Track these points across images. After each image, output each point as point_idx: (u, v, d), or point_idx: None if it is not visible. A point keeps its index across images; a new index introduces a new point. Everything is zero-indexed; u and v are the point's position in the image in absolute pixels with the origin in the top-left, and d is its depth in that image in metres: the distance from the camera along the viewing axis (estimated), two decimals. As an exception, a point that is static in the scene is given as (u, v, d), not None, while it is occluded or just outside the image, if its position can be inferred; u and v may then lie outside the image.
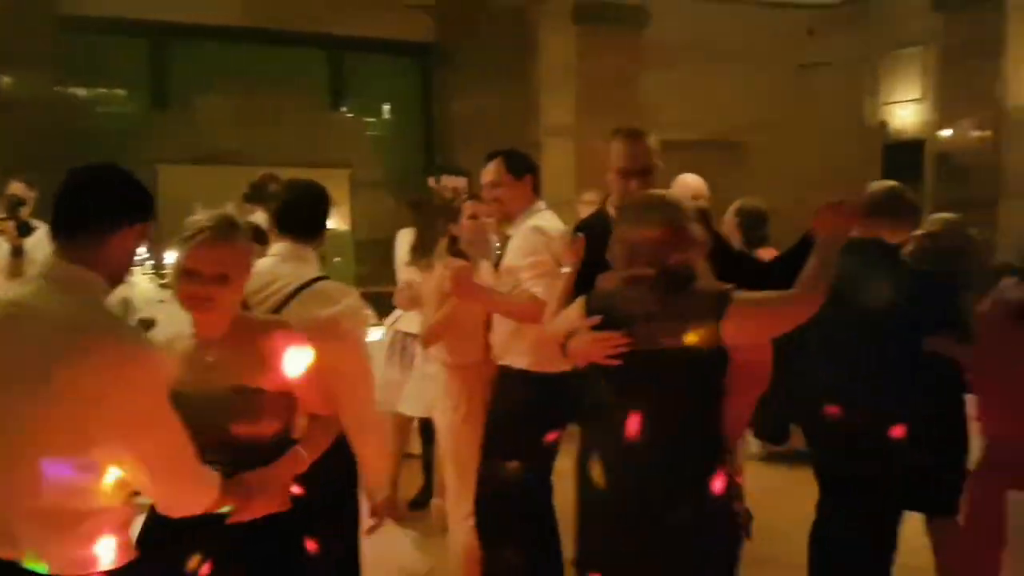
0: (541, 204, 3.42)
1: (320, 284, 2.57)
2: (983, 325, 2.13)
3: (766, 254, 4.04)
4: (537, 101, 8.43)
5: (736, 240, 4.08)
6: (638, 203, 2.38)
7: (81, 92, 8.51)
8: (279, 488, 2.03)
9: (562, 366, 2.86)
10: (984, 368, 2.06)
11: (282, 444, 2.09)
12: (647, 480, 2.22)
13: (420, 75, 9.70)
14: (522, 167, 3.37)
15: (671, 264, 2.22)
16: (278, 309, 2.48)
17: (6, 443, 1.67)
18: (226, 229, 2.02)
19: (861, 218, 2.96)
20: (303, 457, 2.09)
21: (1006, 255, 6.93)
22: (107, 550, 1.72)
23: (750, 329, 2.23)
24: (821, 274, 2.23)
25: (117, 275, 1.84)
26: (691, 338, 2.17)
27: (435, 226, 4.41)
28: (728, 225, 4.18)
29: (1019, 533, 2.37)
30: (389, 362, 4.40)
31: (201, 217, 2.05)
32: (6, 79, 7.64)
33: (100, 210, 1.80)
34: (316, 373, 2.10)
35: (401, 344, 4.40)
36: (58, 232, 1.80)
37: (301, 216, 2.75)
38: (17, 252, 4.29)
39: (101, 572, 1.71)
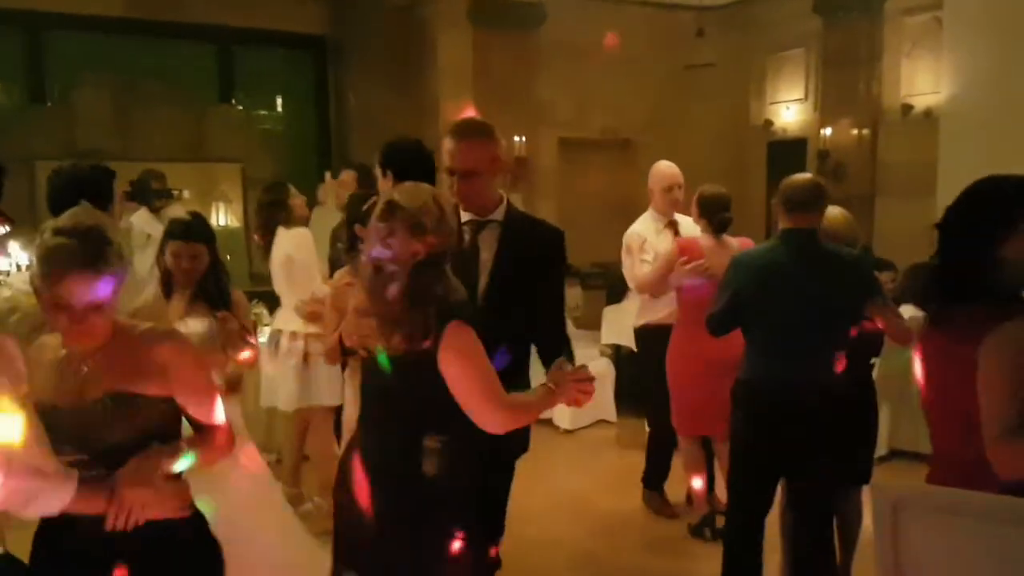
0: None
1: None
2: (921, 349, 2.27)
3: (733, 240, 4.26)
4: (435, 99, 8.41)
5: (703, 226, 4.28)
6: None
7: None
8: (152, 479, 1.89)
9: None
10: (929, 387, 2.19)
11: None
12: None
13: (314, 69, 9.52)
14: (388, 159, 3.11)
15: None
16: None
17: None
18: (94, 251, 1.83)
19: (789, 211, 3.25)
20: (181, 449, 1.97)
21: (882, 250, 7.34)
22: None
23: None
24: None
25: None
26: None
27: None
28: (693, 213, 4.36)
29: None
30: (269, 359, 4.35)
31: (57, 233, 1.84)
32: None
33: None
34: (189, 374, 2.02)
35: (276, 341, 4.36)
36: None
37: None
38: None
39: None
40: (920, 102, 7.66)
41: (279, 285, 4.48)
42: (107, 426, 1.91)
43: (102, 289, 1.85)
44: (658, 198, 4.70)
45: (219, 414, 2.06)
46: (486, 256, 2.69)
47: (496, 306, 2.58)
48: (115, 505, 1.85)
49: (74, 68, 8.33)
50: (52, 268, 1.83)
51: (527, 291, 2.65)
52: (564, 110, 8.79)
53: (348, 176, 4.92)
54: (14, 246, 5.67)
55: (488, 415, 2.12)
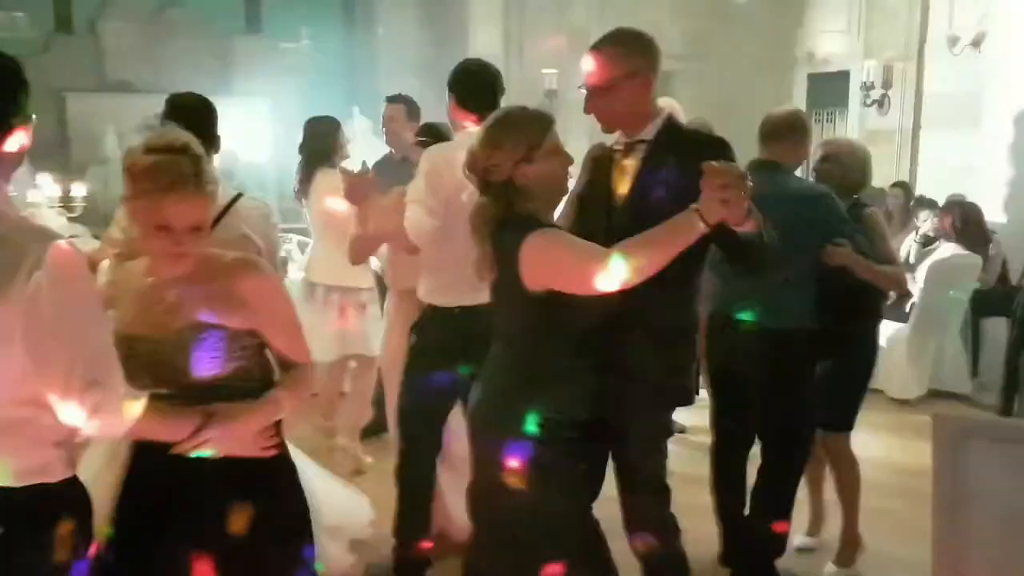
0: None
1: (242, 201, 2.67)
2: None
3: None
4: (464, 26, 8.23)
5: None
6: None
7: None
8: (253, 424, 1.89)
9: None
10: None
11: (254, 391, 1.96)
12: None
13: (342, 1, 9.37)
14: (449, 82, 3.10)
15: None
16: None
17: None
18: (196, 168, 1.80)
19: (760, 143, 3.10)
20: (281, 400, 1.94)
21: (925, 185, 7.16)
22: (53, 461, 1.70)
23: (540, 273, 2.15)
24: (654, 249, 2.02)
25: (7, 178, 1.70)
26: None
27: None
28: None
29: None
30: (304, 308, 4.31)
31: (149, 151, 1.81)
32: None
33: None
34: (274, 307, 1.96)
35: (311, 291, 4.29)
36: None
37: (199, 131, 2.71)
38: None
39: (48, 482, 1.69)
40: (966, 33, 7.35)
41: (317, 230, 4.32)
42: (188, 358, 1.88)
43: (204, 209, 1.84)
44: None
45: (303, 348, 2.01)
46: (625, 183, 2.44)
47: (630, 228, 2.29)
48: (193, 441, 1.82)
49: (101, -2, 8.26)
50: (155, 186, 1.79)
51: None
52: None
53: (396, 111, 4.51)
54: (45, 178, 5.69)
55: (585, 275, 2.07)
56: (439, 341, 3.00)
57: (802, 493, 3.34)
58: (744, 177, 1.94)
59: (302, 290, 4.29)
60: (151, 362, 1.90)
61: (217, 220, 2.42)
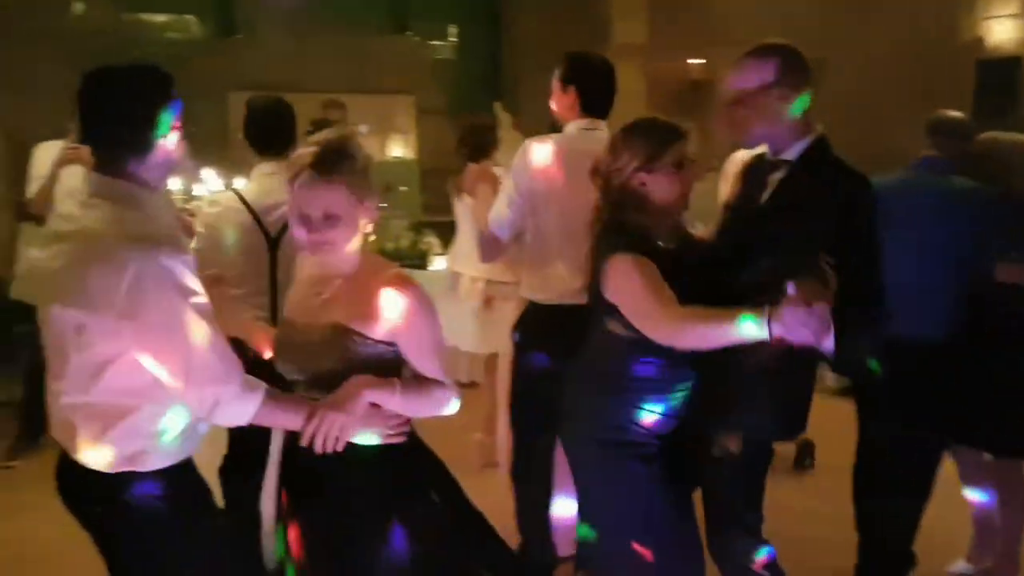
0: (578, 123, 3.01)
1: None
2: None
3: None
4: (607, 19, 8.15)
5: None
6: None
7: (149, 18, 8.55)
8: (355, 405, 1.87)
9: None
10: None
11: None
12: None
13: (487, -5, 9.48)
14: (572, 75, 3.01)
15: None
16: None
17: (61, 347, 1.80)
18: (328, 164, 1.87)
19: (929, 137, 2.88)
20: (395, 384, 1.92)
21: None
22: (146, 451, 1.83)
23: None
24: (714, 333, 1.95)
25: (161, 180, 1.87)
26: None
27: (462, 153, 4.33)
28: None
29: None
30: (449, 299, 4.38)
31: (308, 146, 1.92)
32: (76, 6, 7.71)
33: (120, 121, 1.80)
34: (416, 328, 1.95)
35: (455, 282, 4.36)
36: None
37: (273, 134, 2.95)
38: (90, 179, 4.35)
39: (138, 471, 1.82)
40: None
41: (466, 224, 4.34)
42: (324, 355, 1.94)
43: (333, 199, 1.88)
44: None
45: (438, 372, 2.00)
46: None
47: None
48: (312, 423, 1.85)
49: (261, 1, 8.66)
50: (289, 176, 1.91)
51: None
52: (744, 27, 8.26)
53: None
54: (209, 172, 6.04)
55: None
56: (539, 338, 2.97)
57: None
58: (830, 301, 1.80)
59: (448, 280, 4.37)
60: (300, 350, 1.99)
61: None
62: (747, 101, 2.27)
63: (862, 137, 4.37)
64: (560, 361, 2.64)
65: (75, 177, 4.35)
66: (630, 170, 2.17)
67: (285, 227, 2.81)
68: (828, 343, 1.81)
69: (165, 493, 1.85)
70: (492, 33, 9.49)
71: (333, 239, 1.91)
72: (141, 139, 1.79)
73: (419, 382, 1.98)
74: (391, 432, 1.95)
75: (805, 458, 4.46)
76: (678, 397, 2.23)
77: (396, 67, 8.78)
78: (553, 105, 3.08)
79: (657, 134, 2.19)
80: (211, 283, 2.06)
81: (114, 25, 7.77)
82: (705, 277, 2.19)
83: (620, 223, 2.19)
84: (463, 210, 4.28)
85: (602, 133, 2.89)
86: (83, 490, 1.87)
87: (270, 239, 2.96)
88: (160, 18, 8.66)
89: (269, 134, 3.02)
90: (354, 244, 1.96)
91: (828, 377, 4.49)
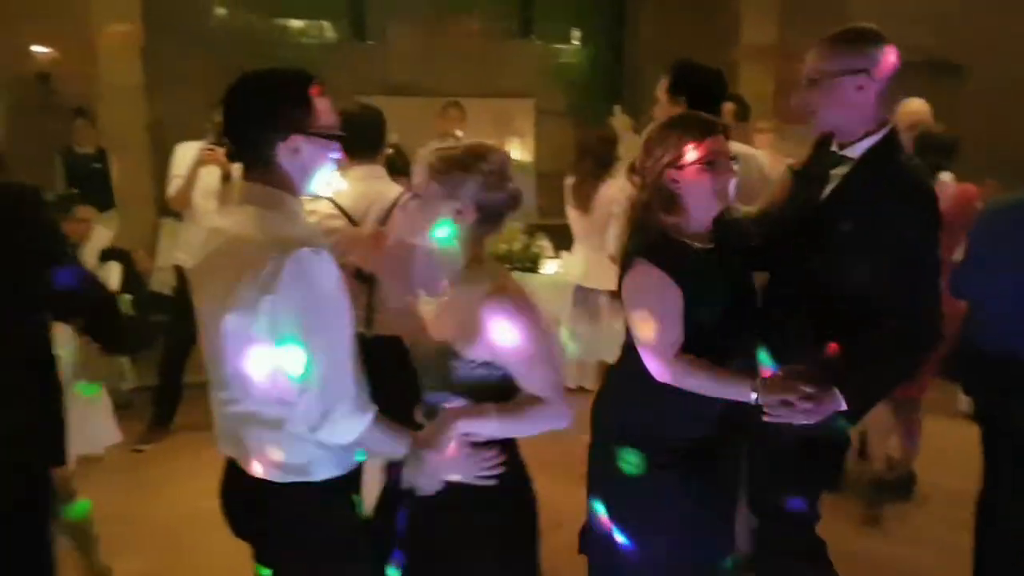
0: None
1: None
2: None
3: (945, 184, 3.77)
4: (736, 19, 7.96)
5: None
6: None
7: (287, 23, 8.90)
8: (444, 442, 1.83)
9: None
10: None
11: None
12: None
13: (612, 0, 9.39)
14: (681, 82, 3.00)
15: None
16: (384, 221, 2.71)
17: (219, 354, 1.80)
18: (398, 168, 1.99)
19: None
20: (487, 410, 1.86)
21: None
22: (313, 461, 1.79)
23: None
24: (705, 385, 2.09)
25: (302, 186, 1.83)
26: None
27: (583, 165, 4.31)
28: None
29: None
30: (576, 315, 4.37)
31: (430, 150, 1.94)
32: (218, 11, 8.12)
33: (245, 129, 1.80)
34: (518, 346, 1.88)
35: (583, 296, 4.36)
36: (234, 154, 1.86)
37: (365, 139, 3.01)
38: (226, 178, 4.57)
39: (309, 480, 1.80)
40: None
41: (593, 239, 4.32)
42: (431, 373, 1.94)
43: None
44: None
45: (542, 387, 1.90)
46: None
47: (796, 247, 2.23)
48: (410, 465, 1.85)
49: (390, 5, 8.82)
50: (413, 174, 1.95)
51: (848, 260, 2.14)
52: (883, 30, 7.90)
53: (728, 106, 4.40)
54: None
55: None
56: None
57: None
58: (811, 396, 1.99)
59: (574, 297, 4.40)
60: (419, 365, 1.99)
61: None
62: (823, 84, 2.18)
63: (1006, 141, 4.12)
64: None
65: (212, 176, 4.59)
66: (661, 167, 2.10)
67: None
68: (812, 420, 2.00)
69: (329, 505, 1.83)
70: (616, 36, 9.41)
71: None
72: (281, 143, 1.77)
73: (520, 403, 1.90)
74: (483, 474, 1.89)
75: (904, 488, 4.24)
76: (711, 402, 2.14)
77: (519, 70, 8.84)
78: (661, 113, 3.03)
79: (689, 129, 2.11)
80: None
81: (254, 29, 8.14)
82: (741, 280, 2.18)
83: (649, 222, 2.12)
84: (587, 224, 4.28)
85: None
86: (248, 501, 1.86)
87: None
88: (297, 23, 9.00)
89: (360, 139, 3.08)
90: (459, 245, 1.92)
91: (961, 400, 4.23)
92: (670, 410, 2.13)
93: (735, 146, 2.77)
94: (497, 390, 1.90)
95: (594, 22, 9.56)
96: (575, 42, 9.68)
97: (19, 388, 2.13)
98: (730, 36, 8.03)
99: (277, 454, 1.78)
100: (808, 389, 1.98)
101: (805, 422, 2.00)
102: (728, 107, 4.38)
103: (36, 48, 7.13)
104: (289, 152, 1.78)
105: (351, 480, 1.91)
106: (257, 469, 1.81)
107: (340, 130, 2.54)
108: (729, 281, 2.13)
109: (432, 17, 8.65)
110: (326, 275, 1.70)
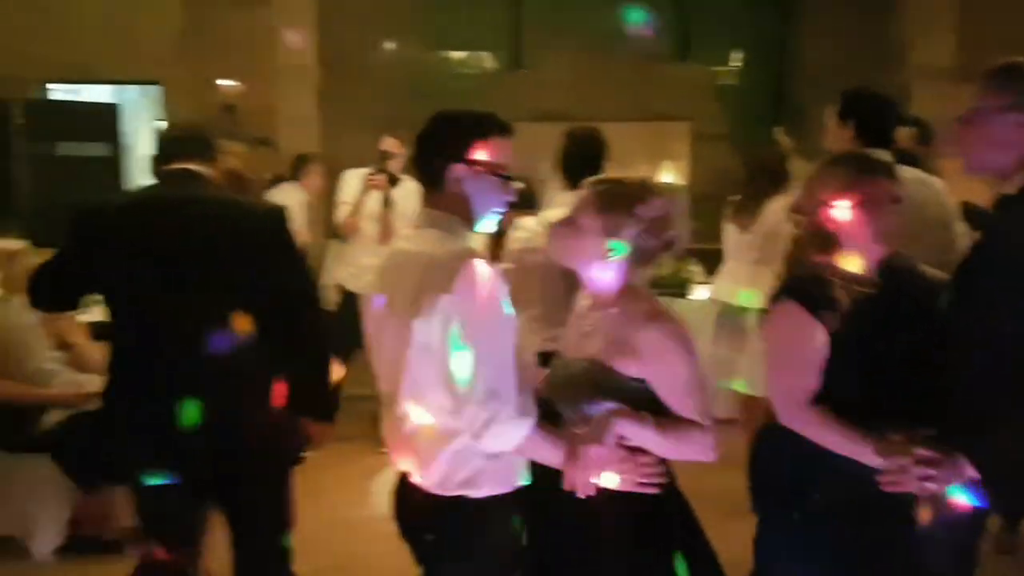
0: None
1: None
2: None
3: None
4: (907, 38, 7.60)
5: None
6: None
7: (448, 55, 9.26)
8: (607, 437, 1.85)
9: None
10: None
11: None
12: None
13: (773, 18, 9.19)
14: (850, 109, 2.93)
15: None
16: None
17: (394, 368, 1.91)
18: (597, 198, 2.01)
19: None
20: (647, 418, 1.87)
21: None
22: (478, 475, 1.87)
23: None
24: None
25: (472, 217, 1.97)
26: None
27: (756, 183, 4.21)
28: None
29: None
30: (718, 336, 4.27)
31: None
32: (385, 46, 8.54)
33: (422, 159, 1.97)
34: (669, 367, 1.90)
35: (729, 317, 4.24)
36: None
37: (576, 165, 3.08)
38: (387, 202, 4.80)
39: (471, 496, 1.87)
40: None
41: (752, 254, 4.23)
42: (582, 391, 1.95)
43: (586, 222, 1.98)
44: None
45: (695, 413, 1.91)
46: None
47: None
48: (570, 462, 1.86)
49: (546, 34, 9.01)
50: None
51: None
52: None
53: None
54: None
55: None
56: None
57: None
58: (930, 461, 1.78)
59: (720, 316, 4.32)
60: (564, 384, 2.00)
61: None
62: (979, 122, 1.98)
63: None
64: None
65: (375, 201, 4.83)
66: (819, 205, 2.02)
67: None
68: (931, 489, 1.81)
69: (491, 522, 1.89)
70: (777, 58, 9.20)
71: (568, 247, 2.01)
72: (449, 170, 1.92)
73: (676, 421, 1.90)
74: (641, 480, 1.88)
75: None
76: None
77: (675, 94, 8.78)
78: (829, 140, 2.98)
79: (851, 168, 2.03)
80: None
81: (419, 61, 8.51)
82: (911, 332, 1.95)
83: (804, 261, 2.05)
84: (743, 241, 4.20)
85: None
86: (415, 510, 1.96)
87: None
88: (458, 54, 9.35)
89: (576, 164, 3.20)
90: (611, 275, 1.97)
91: None
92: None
93: (908, 172, 2.65)
94: (649, 403, 1.91)
95: (753, 43, 9.38)
96: (734, 64, 9.52)
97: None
98: (900, 56, 7.67)
99: (445, 466, 1.87)
100: (926, 453, 1.79)
101: (922, 491, 1.81)
102: (904, 132, 4.17)
103: (223, 81, 7.77)
104: (456, 180, 1.93)
105: (515, 499, 1.95)
106: (426, 481, 1.90)
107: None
108: (892, 330, 1.98)
109: (588, 43, 8.76)
110: (495, 286, 1.82)
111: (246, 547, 2.55)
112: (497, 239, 3.35)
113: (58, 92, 7.54)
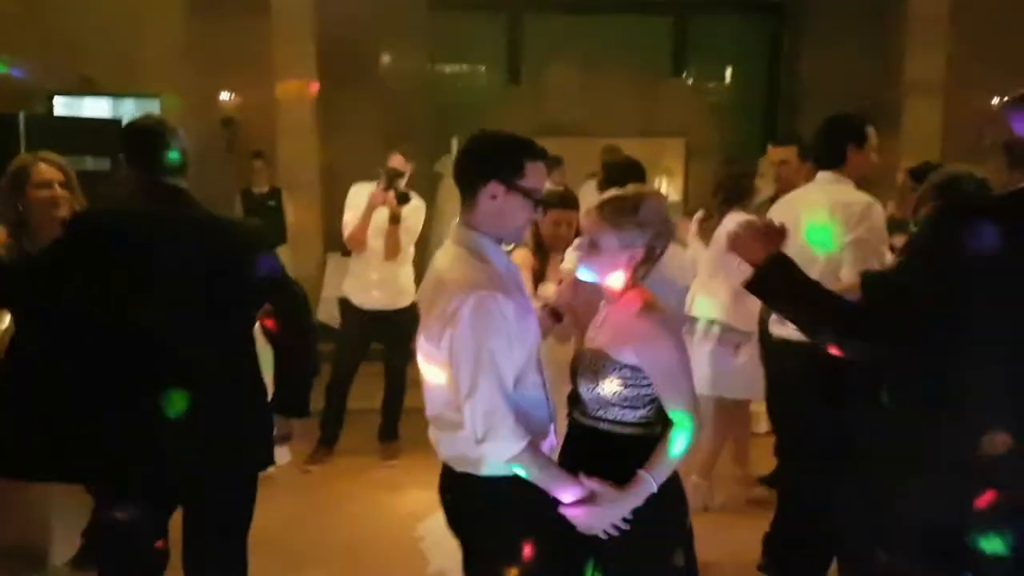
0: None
1: None
2: None
3: None
4: (900, 54, 7.67)
5: None
6: None
7: (446, 68, 9.32)
8: (622, 510, 2.05)
9: None
10: None
11: (643, 441, 2.12)
12: None
13: (768, 35, 9.31)
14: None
15: None
16: None
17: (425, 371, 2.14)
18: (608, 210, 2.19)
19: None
20: (646, 480, 2.06)
21: None
22: (480, 459, 2.04)
23: None
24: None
25: (501, 232, 2.10)
26: None
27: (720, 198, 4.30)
28: None
29: None
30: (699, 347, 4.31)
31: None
32: (385, 60, 8.59)
33: (461, 173, 2.10)
34: (658, 352, 2.09)
35: (691, 326, 4.29)
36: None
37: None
38: (394, 219, 4.81)
39: (474, 473, 2.06)
40: None
41: (709, 268, 4.29)
42: (587, 378, 2.14)
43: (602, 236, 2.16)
44: None
45: (681, 401, 2.10)
46: None
47: None
48: (580, 515, 2.05)
49: (545, 48, 9.11)
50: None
51: None
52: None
53: (788, 152, 4.48)
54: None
55: None
56: None
57: None
58: None
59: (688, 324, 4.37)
60: (579, 373, 2.19)
61: None
62: (1010, 149, 2.01)
63: None
64: None
65: (381, 217, 4.86)
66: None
67: None
68: None
69: (507, 499, 2.05)
70: (772, 73, 9.28)
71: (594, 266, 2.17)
72: (483, 187, 2.05)
73: (659, 453, 2.08)
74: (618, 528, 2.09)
75: None
76: None
77: (671, 110, 8.87)
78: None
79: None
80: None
81: (418, 74, 8.56)
82: None
83: None
84: (709, 256, 4.25)
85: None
86: (446, 486, 2.18)
87: None
88: (458, 68, 9.41)
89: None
90: (624, 277, 2.16)
91: None
92: None
93: None
94: (640, 402, 2.12)
95: (749, 59, 9.47)
96: (729, 80, 9.61)
97: (237, 390, 2.52)
98: (893, 71, 7.75)
99: (454, 448, 2.09)
100: None
101: None
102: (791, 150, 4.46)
103: (223, 94, 7.82)
104: (488, 197, 2.05)
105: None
106: (444, 457, 2.15)
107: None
108: None
109: (585, 59, 8.84)
110: (499, 315, 1.96)
111: (200, 549, 2.57)
112: (542, 256, 3.43)
113: (59, 106, 7.57)
